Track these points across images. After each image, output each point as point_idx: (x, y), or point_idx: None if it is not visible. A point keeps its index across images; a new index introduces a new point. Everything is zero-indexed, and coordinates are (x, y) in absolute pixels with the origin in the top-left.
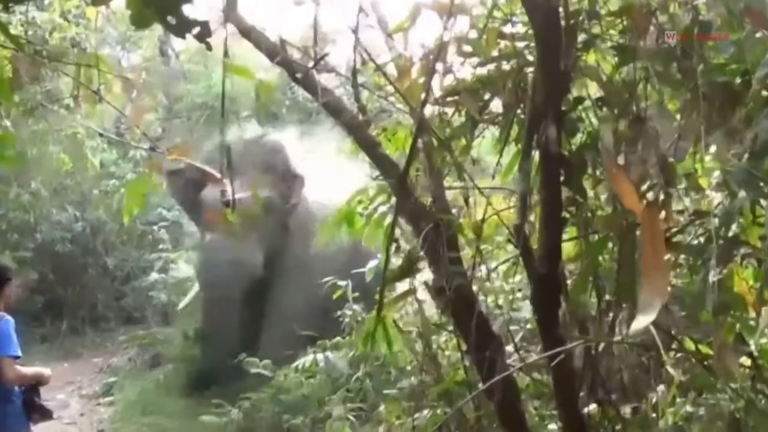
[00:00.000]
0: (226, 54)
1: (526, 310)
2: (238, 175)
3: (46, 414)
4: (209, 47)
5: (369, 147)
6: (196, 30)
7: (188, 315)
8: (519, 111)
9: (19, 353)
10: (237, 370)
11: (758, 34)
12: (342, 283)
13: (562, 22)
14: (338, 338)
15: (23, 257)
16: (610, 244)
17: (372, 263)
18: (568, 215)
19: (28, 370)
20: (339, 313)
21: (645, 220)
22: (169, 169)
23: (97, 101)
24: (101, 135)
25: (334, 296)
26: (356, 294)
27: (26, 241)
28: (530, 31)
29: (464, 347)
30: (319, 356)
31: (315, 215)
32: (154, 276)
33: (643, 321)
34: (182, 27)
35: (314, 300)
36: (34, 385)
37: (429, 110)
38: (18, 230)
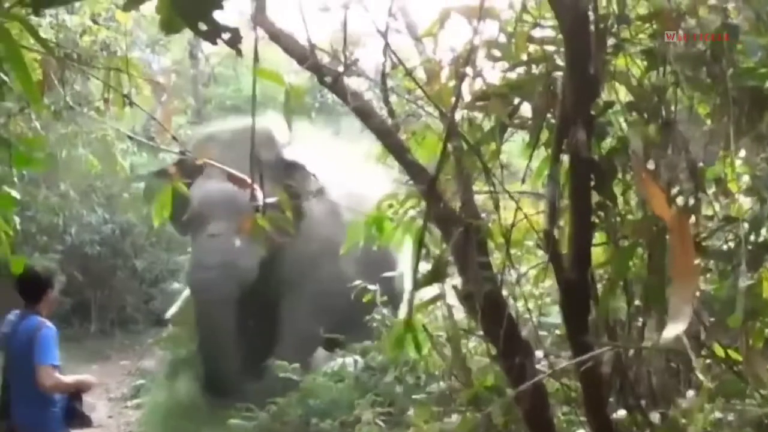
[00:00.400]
0: (256, 59)
1: (556, 315)
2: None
3: (85, 422)
4: (240, 53)
5: (398, 152)
6: (226, 35)
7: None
8: (549, 115)
9: (58, 362)
10: (249, 373)
11: None
12: (371, 287)
13: (592, 27)
14: (366, 342)
15: (52, 259)
16: (640, 249)
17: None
18: (597, 220)
19: (69, 378)
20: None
21: (674, 227)
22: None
23: (126, 104)
24: (131, 138)
25: (364, 300)
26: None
27: (55, 243)
28: (559, 36)
29: (493, 352)
30: (348, 360)
31: (319, 213)
32: (183, 278)
33: (673, 330)
34: (213, 33)
35: (326, 304)
36: (76, 392)
37: (458, 114)
38: (47, 232)
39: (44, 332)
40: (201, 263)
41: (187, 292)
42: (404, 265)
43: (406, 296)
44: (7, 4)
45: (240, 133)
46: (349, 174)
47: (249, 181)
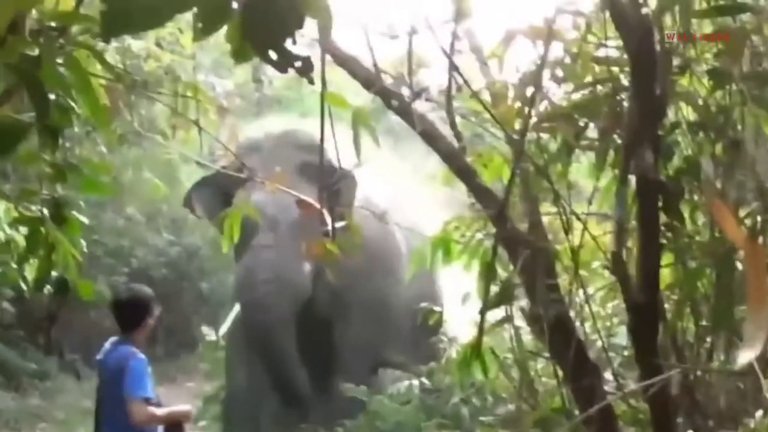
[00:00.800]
0: (323, 85)
1: (623, 336)
2: (269, 176)
3: None
4: (311, 81)
5: (466, 175)
6: (298, 64)
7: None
8: (615, 136)
9: (151, 394)
10: (311, 393)
11: None
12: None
13: (657, 46)
14: (432, 364)
15: (118, 282)
16: (707, 270)
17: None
18: (665, 241)
19: (162, 410)
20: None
21: (749, 252)
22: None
23: (192, 128)
24: (197, 163)
25: (430, 321)
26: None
27: (121, 265)
28: (625, 56)
29: (561, 374)
30: (414, 382)
31: (368, 229)
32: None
33: (748, 355)
34: (284, 61)
35: (380, 321)
36: (175, 424)
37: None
38: (113, 255)
39: (134, 363)
40: (253, 278)
41: (236, 310)
42: (444, 288)
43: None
44: (74, 31)
45: (282, 138)
46: (403, 192)
47: (317, 205)
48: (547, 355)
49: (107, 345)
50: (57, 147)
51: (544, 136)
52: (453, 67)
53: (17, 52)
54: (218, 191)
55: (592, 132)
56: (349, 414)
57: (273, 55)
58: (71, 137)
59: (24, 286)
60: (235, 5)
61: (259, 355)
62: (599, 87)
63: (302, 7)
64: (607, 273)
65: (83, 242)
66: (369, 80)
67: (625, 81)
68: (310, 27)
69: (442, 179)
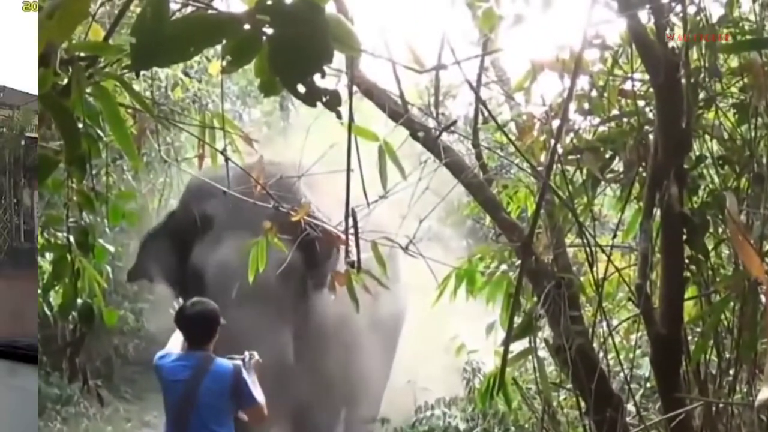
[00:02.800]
0: (351, 118)
1: (646, 368)
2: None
3: None
4: (339, 116)
5: (491, 208)
6: (326, 98)
7: None
8: (640, 169)
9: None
10: None
11: None
12: None
13: (683, 80)
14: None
15: (143, 309)
16: (731, 303)
17: None
18: (689, 274)
19: None
20: None
21: None
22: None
23: (219, 158)
24: (224, 193)
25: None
26: None
27: (145, 292)
28: (651, 89)
29: (583, 405)
30: (437, 412)
31: None
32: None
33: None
34: (312, 95)
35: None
36: None
37: None
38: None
39: (244, 376)
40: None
41: None
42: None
43: None
44: (102, 62)
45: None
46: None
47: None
48: (569, 386)
49: (184, 360)
50: (85, 176)
51: (570, 168)
52: (479, 100)
53: (49, 83)
54: (172, 243)
55: (617, 164)
56: None
57: (301, 88)
58: (97, 164)
59: (48, 312)
60: (263, 39)
61: None
62: (625, 120)
63: (331, 41)
64: (630, 305)
65: (108, 268)
66: (396, 111)
67: (650, 114)
68: (336, 57)
69: (467, 210)
